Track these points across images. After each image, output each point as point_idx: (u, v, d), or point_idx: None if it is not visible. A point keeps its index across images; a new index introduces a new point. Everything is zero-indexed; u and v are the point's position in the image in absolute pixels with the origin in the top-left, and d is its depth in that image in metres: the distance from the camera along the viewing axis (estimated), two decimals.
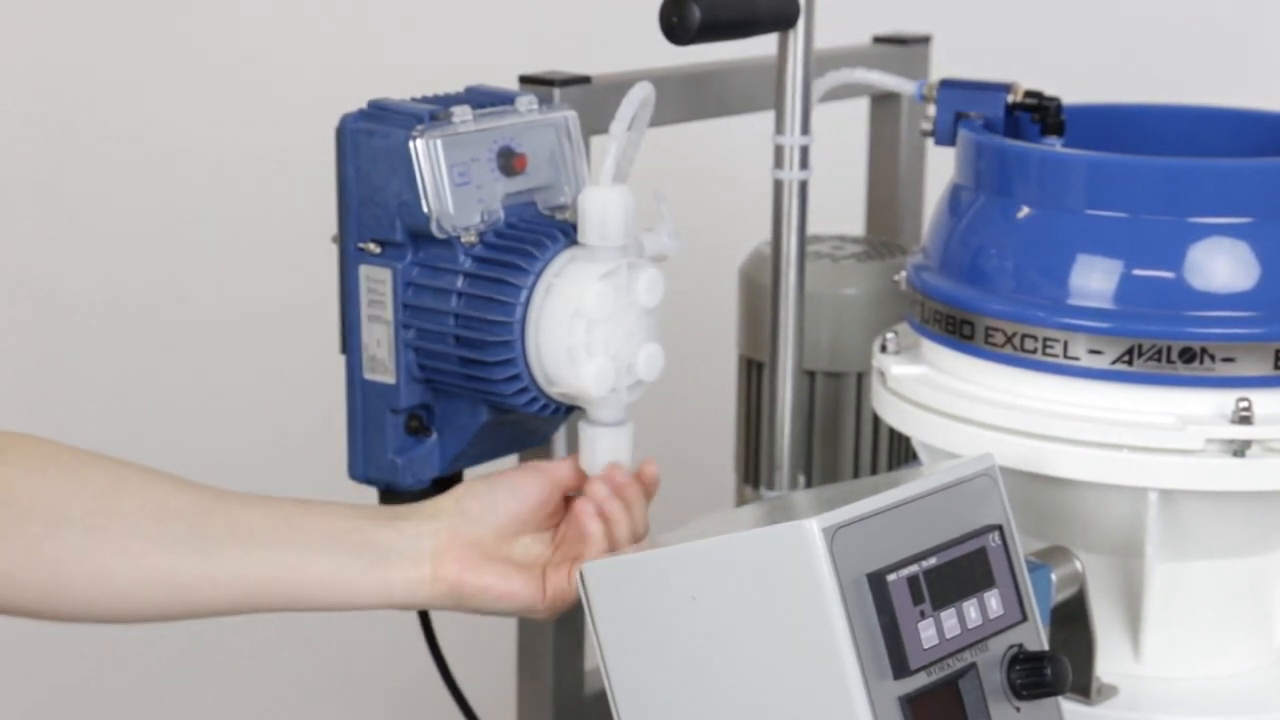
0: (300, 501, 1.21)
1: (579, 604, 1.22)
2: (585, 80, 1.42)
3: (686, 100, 1.52)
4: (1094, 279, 1.25)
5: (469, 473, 1.33)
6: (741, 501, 1.62)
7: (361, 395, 1.28)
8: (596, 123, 1.36)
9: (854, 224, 1.79)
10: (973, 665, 1.13)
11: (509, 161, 1.26)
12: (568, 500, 1.25)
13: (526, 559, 1.23)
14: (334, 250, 1.28)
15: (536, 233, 1.24)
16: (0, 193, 2.26)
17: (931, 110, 1.41)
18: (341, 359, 1.29)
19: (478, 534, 1.21)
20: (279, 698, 2.33)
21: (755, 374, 1.58)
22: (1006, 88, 1.39)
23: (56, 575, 1.15)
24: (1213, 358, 1.23)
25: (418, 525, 1.21)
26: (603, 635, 1.17)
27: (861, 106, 1.74)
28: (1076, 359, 1.25)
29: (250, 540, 1.17)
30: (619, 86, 1.30)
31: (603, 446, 1.25)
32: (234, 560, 1.17)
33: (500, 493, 1.23)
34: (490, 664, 1.79)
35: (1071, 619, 1.27)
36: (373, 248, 1.25)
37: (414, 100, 1.27)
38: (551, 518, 1.25)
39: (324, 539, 1.19)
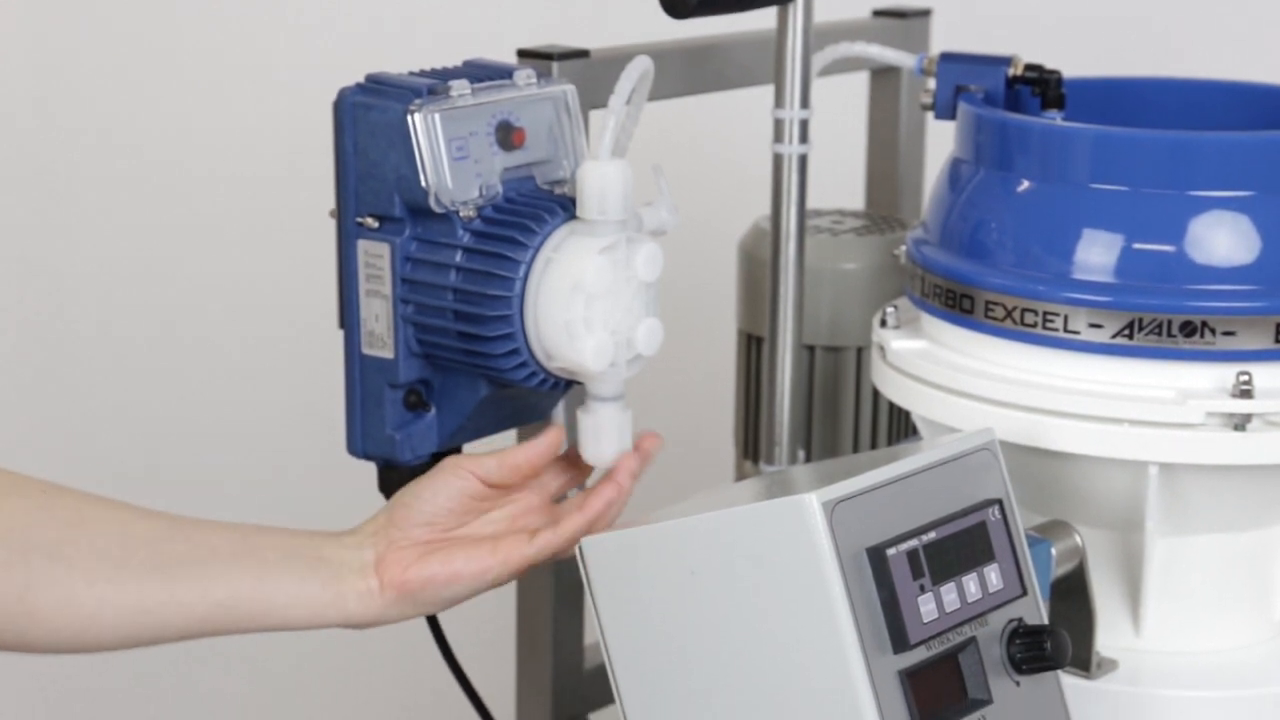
0: (254, 525, 1.22)
1: (541, 567, 1.23)
2: (584, 54, 1.42)
3: (685, 74, 1.51)
4: (1094, 253, 1.25)
5: (467, 448, 1.33)
6: (741, 476, 1.62)
7: (360, 370, 1.28)
8: (595, 97, 1.36)
9: (854, 198, 1.79)
10: (972, 639, 1.13)
11: (507, 136, 1.26)
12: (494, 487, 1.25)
13: (473, 538, 1.23)
14: (332, 225, 1.27)
15: (535, 207, 1.24)
16: None
17: (931, 84, 1.41)
18: (340, 334, 1.29)
19: (414, 536, 1.22)
20: (274, 668, 2.33)
21: (754, 349, 1.57)
22: (1007, 61, 1.39)
23: (23, 601, 1.14)
24: (1213, 331, 1.23)
25: (359, 540, 1.22)
26: (602, 610, 1.17)
27: (861, 80, 1.74)
28: (1077, 333, 1.25)
29: (211, 561, 1.18)
30: (617, 60, 1.29)
31: (605, 436, 1.24)
32: (197, 581, 1.17)
33: (424, 494, 1.23)
34: (489, 639, 1.79)
35: (1071, 593, 1.27)
36: (371, 222, 1.25)
37: (412, 74, 1.26)
38: (485, 504, 1.25)
39: (281, 556, 1.19)
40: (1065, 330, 1.25)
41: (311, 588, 1.19)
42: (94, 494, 1.19)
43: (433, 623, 1.35)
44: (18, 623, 1.14)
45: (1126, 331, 1.24)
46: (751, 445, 1.60)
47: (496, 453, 1.25)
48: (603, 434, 1.24)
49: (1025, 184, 1.29)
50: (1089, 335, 1.25)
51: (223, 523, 1.21)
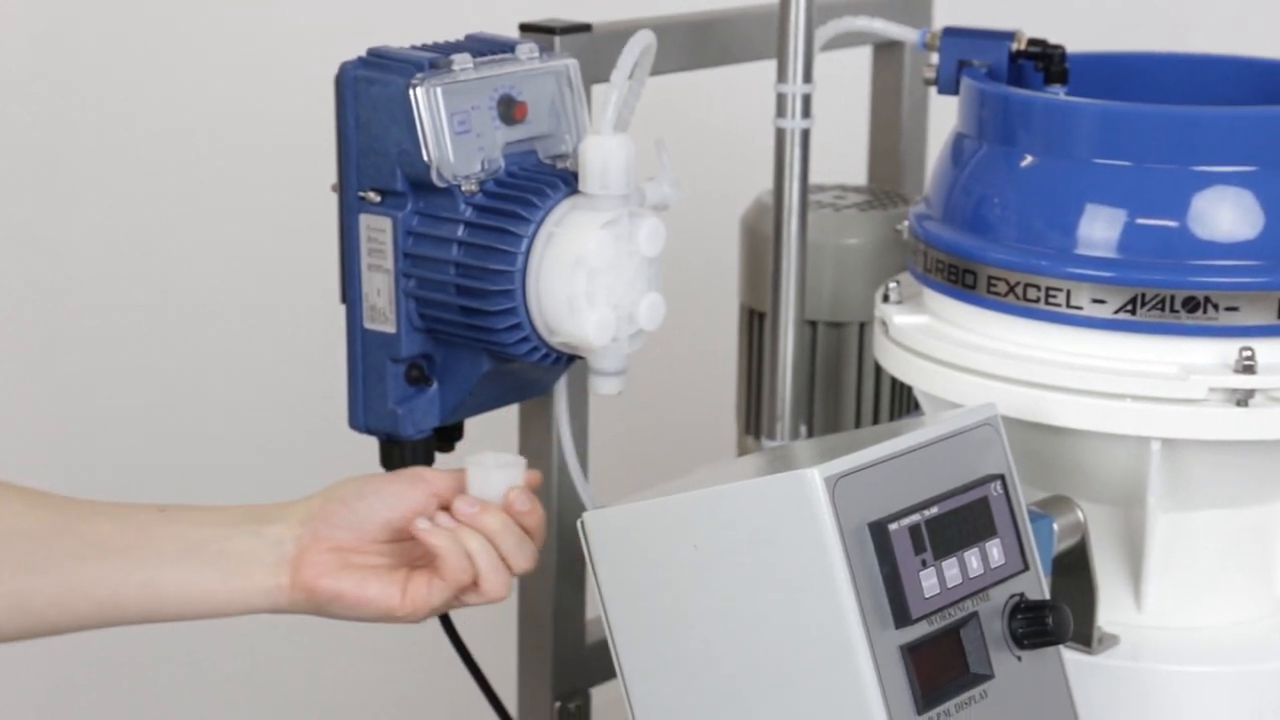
0: (161, 510, 1.18)
1: (442, 614, 1.20)
2: (586, 28, 1.41)
3: (688, 48, 1.51)
4: (1097, 228, 1.25)
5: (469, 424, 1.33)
6: (743, 451, 1.62)
7: (362, 345, 1.28)
8: (597, 71, 1.35)
9: (856, 173, 1.78)
10: (974, 614, 1.13)
11: (509, 110, 1.26)
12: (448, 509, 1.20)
13: (394, 563, 1.20)
14: (334, 199, 1.27)
15: (537, 181, 1.24)
16: None
17: (934, 59, 1.41)
18: (341, 308, 1.29)
19: (340, 539, 1.18)
20: (271, 640, 2.33)
21: (757, 324, 1.57)
22: (1010, 36, 1.39)
23: None
24: (1216, 307, 1.23)
25: (281, 530, 1.18)
26: (604, 585, 1.17)
27: (864, 55, 1.74)
28: (1079, 308, 1.25)
29: (98, 557, 1.15)
30: (620, 34, 1.29)
31: (489, 480, 1.20)
32: (79, 578, 1.15)
33: (369, 499, 1.19)
34: (491, 613, 1.79)
35: (1073, 568, 1.27)
36: (373, 197, 1.25)
37: (414, 48, 1.26)
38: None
39: (178, 551, 1.16)
40: (1068, 305, 1.25)
41: (209, 582, 1.16)
42: None
43: None
44: None
45: (1129, 307, 1.24)
46: (753, 420, 1.59)
47: (455, 471, 1.21)
48: (489, 490, 1.21)
49: (1028, 159, 1.29)
50: (1092, 310, 1.25)
51: (123, 510, 1.18)
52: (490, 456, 1.21)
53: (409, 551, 1.20)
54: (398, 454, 1.30)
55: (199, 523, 1.18)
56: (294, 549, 1.18)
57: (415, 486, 1.20)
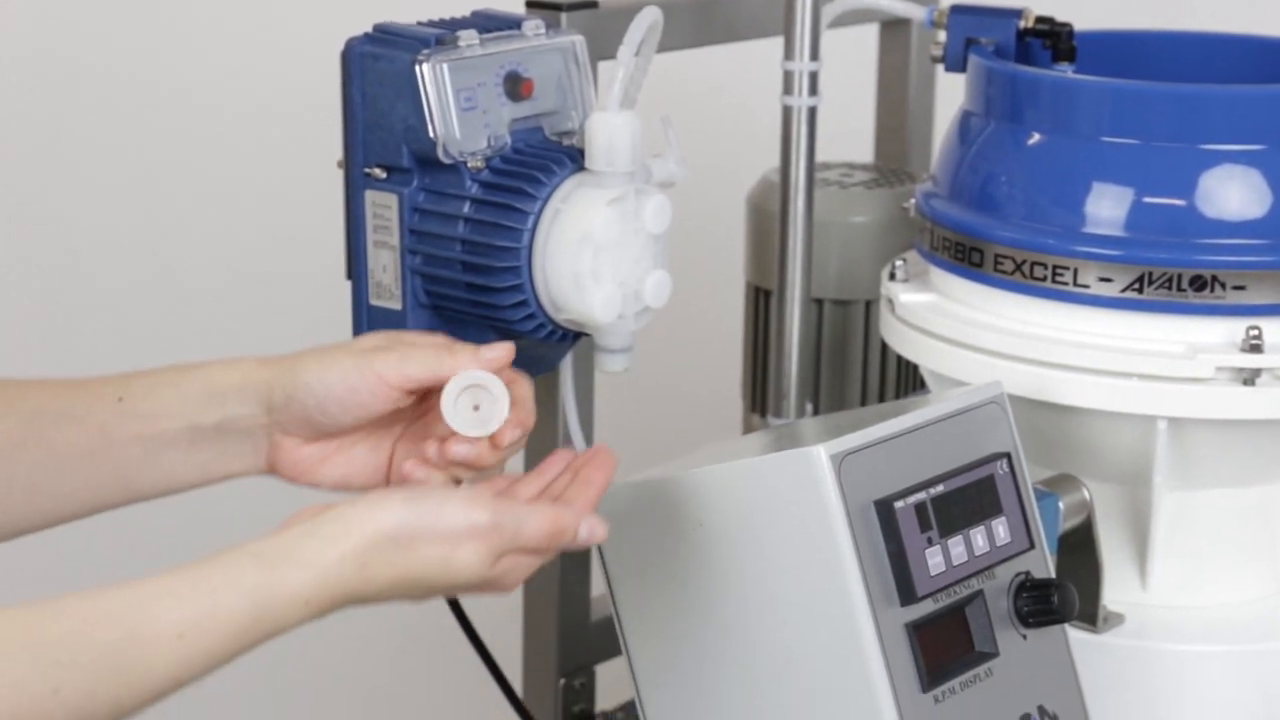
0: (119, 399, 1.15)
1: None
2: (593, 5, 1.41)
3: (695, 25, 1.51)
4: (1105, 206, 1.25)
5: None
6: (749, 429, 1.62)
7: (368, 321, 1.28)
8: (604, 48, 1.35)
9: (863, 151, 1.78)
10: (979, 593, 1.13)
11: (516, 86, 1.25)
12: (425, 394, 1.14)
13: (372, 431, 1.16)
14: (340, 176, 1.27)
15: (543, 158, 1.24)
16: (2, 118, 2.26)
17: (942, 36, 1.40)
18: (347, 285, 1.29)
19: (308, 433, 1.15)
20: None
21: (763, 302, 1.57)
22: (1018, 14, 1.39)
23: None
24: (1223, 285, 1.22)
25: (248, 419, 1.14)
26: (610, 562, 1.17)
27: (871, 32, 1.73)
28: (1086, 287, 1.25)
29: (68, 468, 1.14)
30: (627, 11, 1.29)
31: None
32: (53, 487, 1.14)
33: (331, 411, 1.14)
34: None
35: (1079, 547, 1.27)
36: (379, 173, 1.25)
37: (420, 24, 1.26)
38: (403, 415, 1.16)
39: (145, 453, 1.14)
40: (1075, 284, 1.25)
41: (185, 476, 1.15)
42: None
43: None
44: None
45: (1136, 285, 1.24)
46: (759, 398, 1.59)
47: (420, 360, 1.13)
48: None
49: (1036, 137, 1.28)
50: (1099, 289, 1.24)
51: (87, 401, 1.15)
52: (467, 399, 1.11)
53: (387, 420, 1.15)
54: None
55: (157, 414, 1.15)
56: (266, 443, 1.16)
57: (377, 397, 1.13)
